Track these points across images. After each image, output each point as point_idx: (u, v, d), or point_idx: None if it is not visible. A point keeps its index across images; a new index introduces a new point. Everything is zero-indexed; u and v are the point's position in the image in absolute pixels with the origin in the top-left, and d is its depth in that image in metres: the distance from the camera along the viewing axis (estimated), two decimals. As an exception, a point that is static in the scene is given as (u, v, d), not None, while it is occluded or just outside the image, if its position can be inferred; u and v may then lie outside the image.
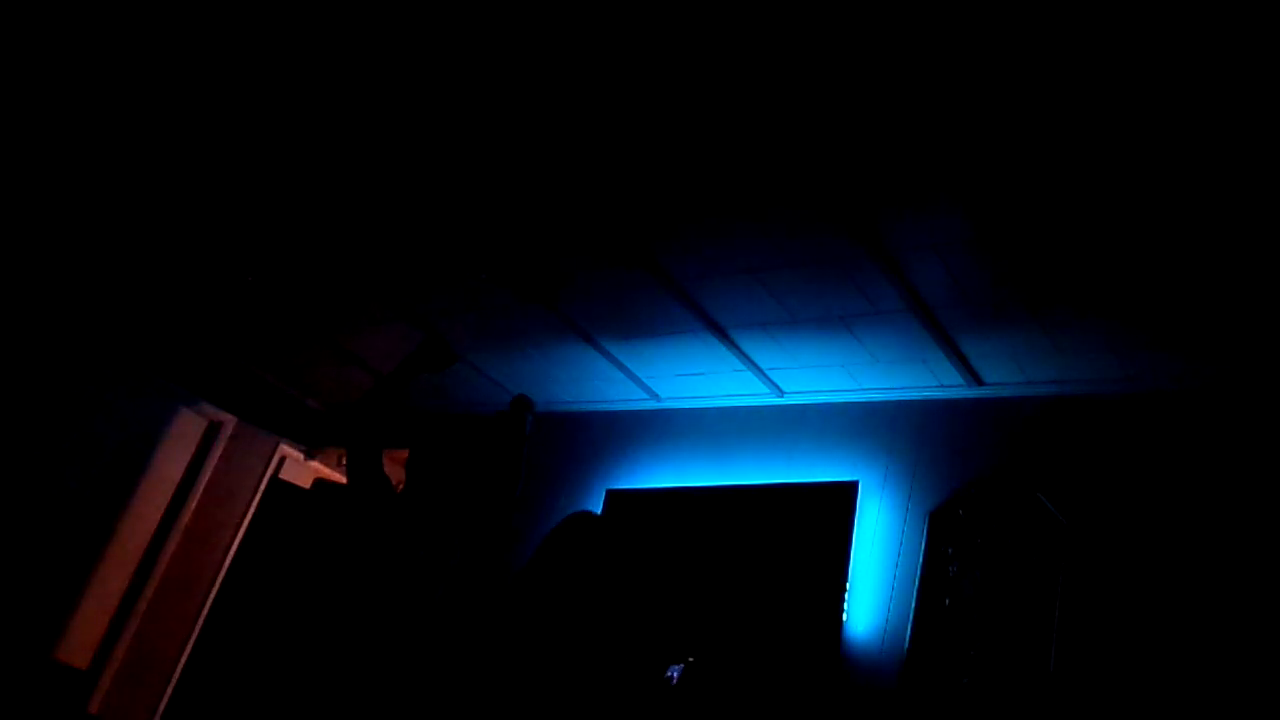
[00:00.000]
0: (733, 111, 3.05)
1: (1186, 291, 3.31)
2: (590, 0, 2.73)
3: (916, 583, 4.01)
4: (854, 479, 4.40)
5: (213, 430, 6.54)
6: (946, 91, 2.75)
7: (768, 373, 4.62)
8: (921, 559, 4.05)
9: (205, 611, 6.17)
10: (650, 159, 3.36)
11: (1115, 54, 2.47)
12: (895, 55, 2.67)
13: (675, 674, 4.05)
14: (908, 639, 3.91)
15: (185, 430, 6.42)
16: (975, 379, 4.21)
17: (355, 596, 4.76)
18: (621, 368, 4.90)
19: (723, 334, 4.35)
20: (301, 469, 6.71)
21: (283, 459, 6.71)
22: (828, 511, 4.35)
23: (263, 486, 6.46)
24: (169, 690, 6.00)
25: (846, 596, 4.14)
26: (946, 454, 4.29)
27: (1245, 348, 3.52)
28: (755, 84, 2.91)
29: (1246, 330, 3.42)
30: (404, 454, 7.25)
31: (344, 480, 6.87)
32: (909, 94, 2.80)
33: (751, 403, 4.93)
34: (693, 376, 4.84)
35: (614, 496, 5.06)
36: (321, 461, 6.88)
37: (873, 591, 4.15)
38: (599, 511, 5.03)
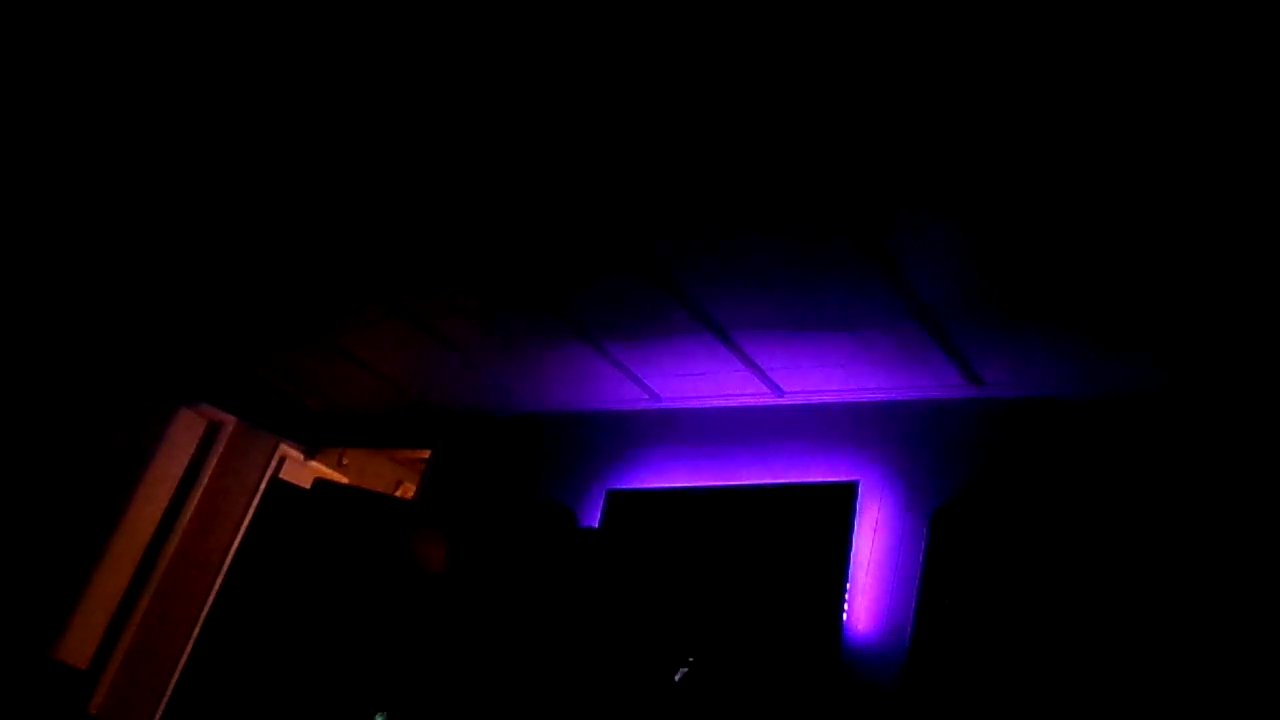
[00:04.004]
0: (737, 116, 3.05)
1: (1175, 302, 3.36)
2: (598, 12, 2.74)
3: (917, 583, 4.01)
4: (854, 479, 4.40)
5: (213, 430, 6.54)
6: (949, 109, 2.76)
7: (768, 373, 4.62)
8: (922, 559, 4.05)
9: (205, 612, 6.18)
10: (655, 164, 3.36)
11: (1105, 96, 2.55)
12: (903, 70, 2.68)
13: (677, 676, 4.05)
14: (908, 639, 3.92)
15: (185, 430, 6.42)
16: (975, 379, 4.21)
17: (355, 598, 4.78)
18: (622, 368, 4.90)
19: (723, 334, 4.35)
20: (301, 469, 6.71)
21: (283, 459, 6.71)
22: (828, 512, 4.35)
23: (263, 486, 6.46)
24: (169, 690, 6.01)
25: (847, 597, 4.15)
26: (946, 454, 4.30)
27: (1238, 354, 3.54)
28: (757, 90, 2.91)
29: (1234, 338, 3.45)
30: (404, 454, 7.24)
31: (344, 480, 6.89)
32: (913, 104, 2.81)
33: (751, 403, 4.93)
34: (693, 377, 4.84)
35: (614, 497, 5.06)
36: (321, 461, 6.89)
37: (873, 592, 4.15)
38: (599, 512, 5.03)
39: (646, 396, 5.16)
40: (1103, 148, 2.80)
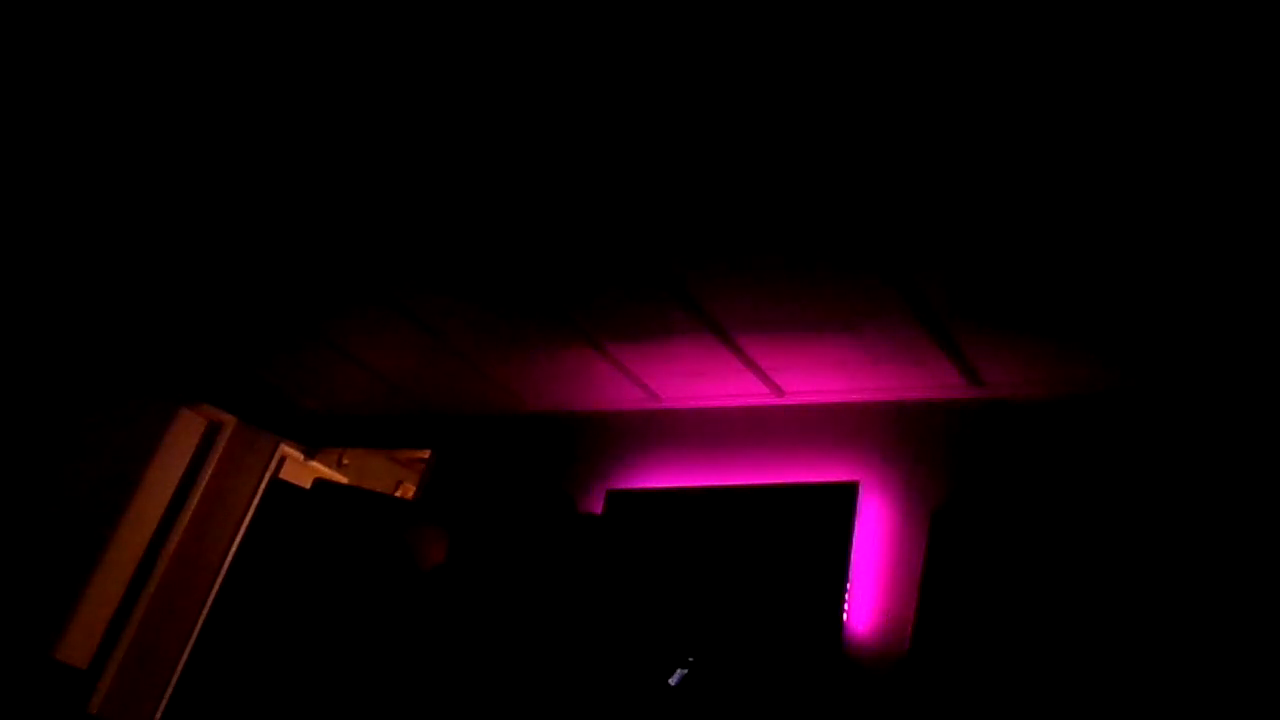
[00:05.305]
0: (747, 126, 3.05)
1: (1172, 305, 3.40)
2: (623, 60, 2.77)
3: (918, 583, 4.01)
4: (854, 479, 4.40)
5: (213, 430, 6.53)
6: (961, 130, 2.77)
7: (768, 373, 4.62)
8: (922, 559, 4.06)
9: (205, 611, 6.18)
10: (657, 169, 3.37)
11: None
12: (925, 88, 2.69)
13: (676, 675, 4.05)
14: (909, 639, 3.92)
15: (185, 430, 6.41)
16: (975, 380, 4.21)
17: (355, 597, 4.78)
18: (622, 369, 4.90)
19: (724, 335, 4.35)
20: (301, 469, 6.71)
21: (283, 459, 6.71)
22: (828, 512, 4.35)
23: (263, 486, 6.46)
24: (169, 690, 6.01)
25: (847, 597, 4.15)
26: (947, 454, 4.30)
27: (1239, 353, 3.55)
28: (767, 102, 2.92)
29: (1235, 338, 3.47)
30: (404, 454, 7.23)
31: (344, 480, 6.89)
32: (928, 127, 2.83)
33: (752, 403, 4.93)
34: (693, 377, 4.84)
35: (614, 496, 5.06)
36: (321, 461, 6.89)
37: (874, 592, 4.15)
38: (599, 512, 5.03)
39: (647, 396, 5.16)
40: (1102, 165, 2.83)
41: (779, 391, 4.78)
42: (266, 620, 5.30)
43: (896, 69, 2.72)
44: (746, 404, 4.96)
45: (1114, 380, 3.95)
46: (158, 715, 5.97)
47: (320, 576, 5.17)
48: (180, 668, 6.04)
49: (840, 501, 4.35)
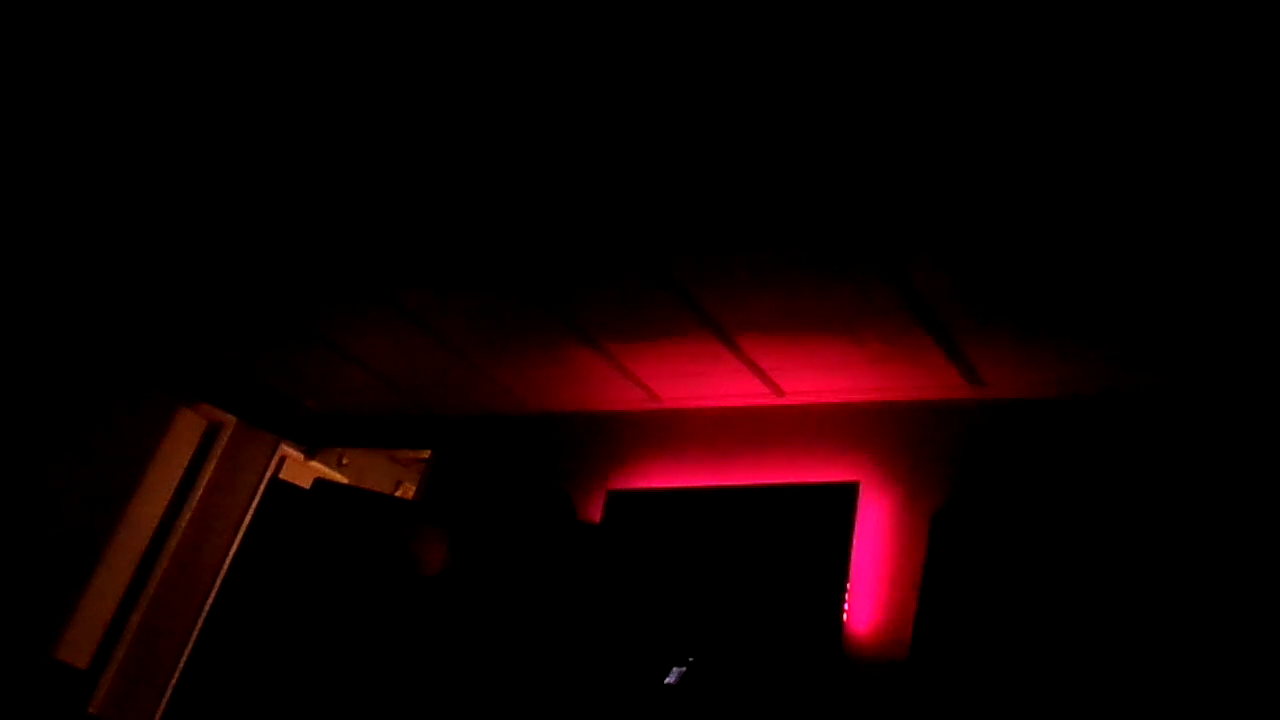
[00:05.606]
0: (746, 124, 3.05)
1: (1170, 305, 3.39)
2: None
3: (918, 584, 4.01)
4: (854, 480, 4.40)
5: (213, 430, 6.53)
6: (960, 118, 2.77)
7: (768, 373, 4.62)
8: (922, 560, 4.05)
9: (205, 612, 6.17)
10: (656, 167, 3.36)
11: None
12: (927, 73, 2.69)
13: (676, 675, 4.05)
14: (909, 640, 3.92)
15: (185, 430, 6.41)
16: (976, 379, 4.21)
17: (355, 597, 4.77)
18: (622, 369, 4.90)
19: (724, 335, 4.35)
20: (301, 469, 6.71)
21: (283, 459, 6.71)
22: (829, 512, 4.35)
23: (263, 486, 6.45)
24: (169, 690, 6.01)
25: (847, 597, 4.15)
26: (947, 454, 4.30)
27: (1234, 353, 3.55)
28: (769, 99, 2.91)
29: (1229, 338, 3.47)
30: (404, 454, 7.23)
31: (344, 480, 6.89)
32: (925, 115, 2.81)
33: (752, 403, 4.93)
34: (693, 377, 4.84)
35: (614, 497, 5.06)
36: (321, 461, 6.88)
37: (874, 592, 4.15)
38: (600, 513, 5.03)
39: (647, 396, 5.16)
40: (1104, 162, 2.81)
41: (779, 392, 4.77)
42: (266, 621, 5.29)
43: (894, 65, 2.71)
44: (747, 404, 4.95)
45: (1114, 381, 3.95)
46: (158, 715, 5.97)
47: (320, 577, 5.16)
48: (180, 668, 6.03)
49: (840, 502, 4.35)
